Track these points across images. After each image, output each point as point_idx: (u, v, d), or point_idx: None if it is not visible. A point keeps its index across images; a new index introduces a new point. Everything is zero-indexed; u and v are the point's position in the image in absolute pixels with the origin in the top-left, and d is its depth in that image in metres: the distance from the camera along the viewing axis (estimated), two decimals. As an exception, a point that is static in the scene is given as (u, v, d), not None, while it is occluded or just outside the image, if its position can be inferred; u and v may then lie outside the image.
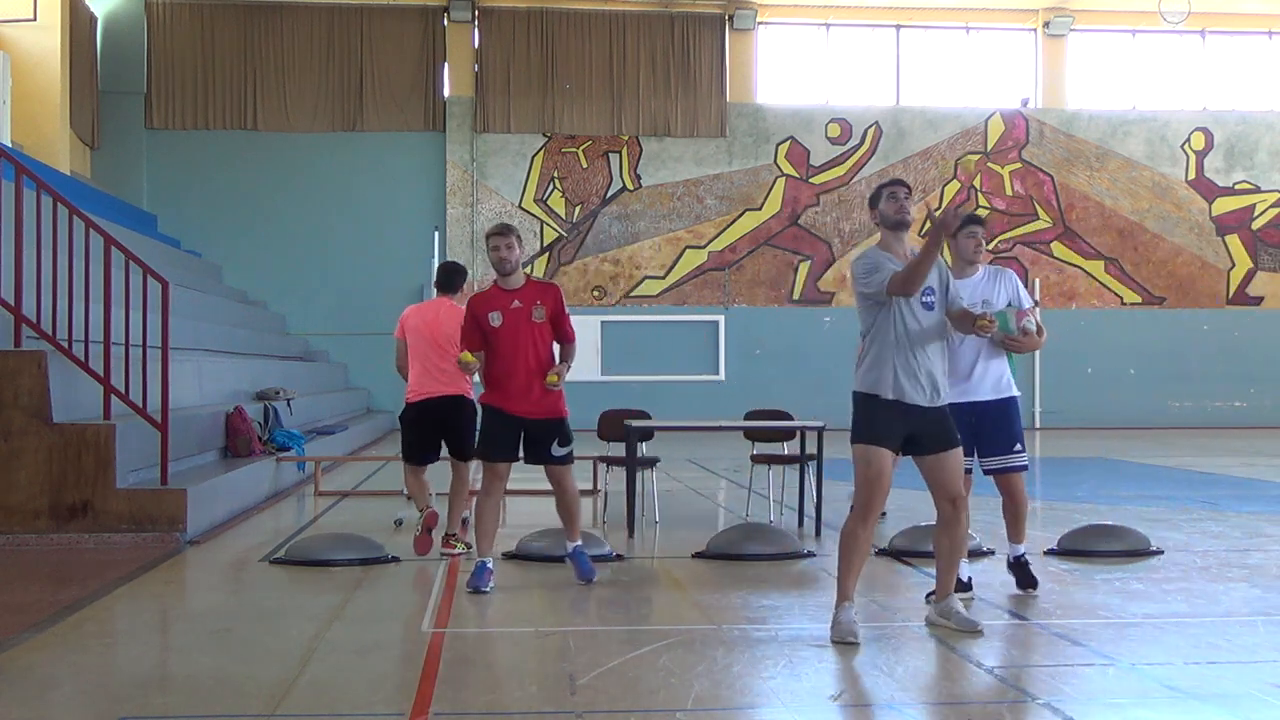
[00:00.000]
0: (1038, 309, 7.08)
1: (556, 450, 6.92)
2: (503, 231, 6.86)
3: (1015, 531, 6.89)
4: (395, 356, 8.45)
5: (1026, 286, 25.54)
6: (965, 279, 6.69)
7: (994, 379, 6.68)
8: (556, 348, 7.02)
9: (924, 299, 5.78)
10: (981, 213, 23.93)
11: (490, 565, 6.84)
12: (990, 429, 6.61)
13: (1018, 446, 6.68)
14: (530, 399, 6.81)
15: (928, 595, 6.36)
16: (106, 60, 22.13)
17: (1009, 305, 6.73)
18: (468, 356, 6.74)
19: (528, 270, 23.79)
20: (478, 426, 8.26)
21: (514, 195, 23.31)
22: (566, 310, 7.02)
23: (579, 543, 7.12)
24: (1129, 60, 24.77)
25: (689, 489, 12.36)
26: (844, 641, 5.59)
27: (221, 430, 11.08)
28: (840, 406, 6.04)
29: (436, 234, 9.16)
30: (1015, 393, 6.79)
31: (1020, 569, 6.90)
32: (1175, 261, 24.48)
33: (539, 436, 6.90)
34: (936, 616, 5.97)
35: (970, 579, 6.88)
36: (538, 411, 6.85)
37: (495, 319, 6.78)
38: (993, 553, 8.09)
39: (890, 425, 5.75)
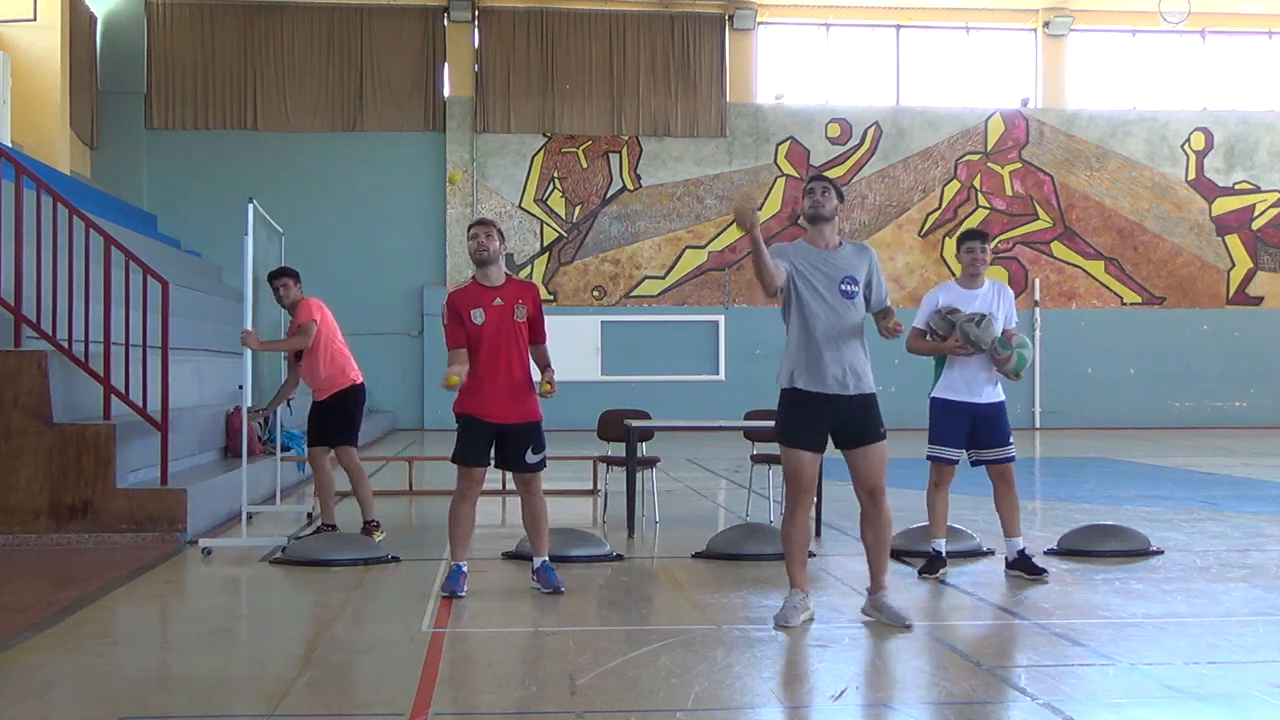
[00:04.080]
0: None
1: (530, 457, 6.74)
2: (483, 222, 6.83)
3: (1012, 524, 7.31)
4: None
5: (1026, 287, 25.56)
6: (972, 290, 7.30)
7: (992, 386, 7.27)
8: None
9: (842, 287, 5.93)
10: (980, 214, 23.94)
11: (465, 569, 6.71)
12: (989, 427, 7.22)
13: (1010, 440, 7.30)
14: (510, 402, 6.67)
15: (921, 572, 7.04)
16: (106, 60, 22.13)
17: (1020, 342, 7.16)
18: (454, 379, 6.51)
19: (526, 271, 23.56)
20: (351, 414, 8.68)
21: (514, 195, 23.32)
22: (543, 312, 6.95)
23: (545, 558, 6.88)
24: (1129, 60, 24.77)
25: (689, 489, 12.36)
26: (779, 626, 5.81)
27: (221, 430, 11.08)
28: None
29: (251, 206, 8.75)
30: (1004, 398, 7.38)
31: (1025, 561, 7.25)
32: (1175, 261, 24.48)
33: (515, 441, 6.73)
34: (870, 609, 6.05)
35: (1023, 550, 7.31)
36: (516, 415, 6.71)
37: (478, 316, 6.63)
38: (992, 553, 8.10)
39: (809, 422, 5.91)
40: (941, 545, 7.34)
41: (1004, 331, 7.11)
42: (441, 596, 6.59)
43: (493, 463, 6.84)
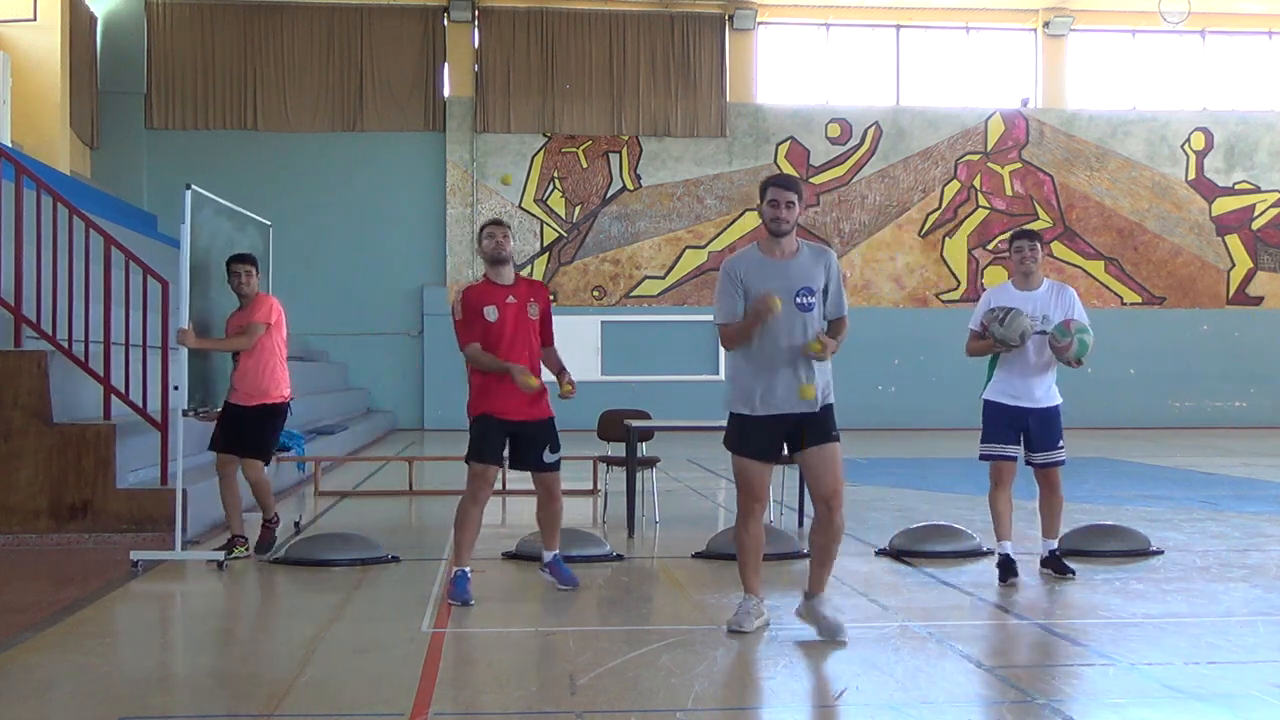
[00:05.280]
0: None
1: (549, 456, 6.78)
2: (499, 222, 6.88)
3: (1051, 526, 7.32)
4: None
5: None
6: (1029, 291, 7.14)
7: (1045, 389, 7.18)
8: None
9: (797, 300, 5.56)
10: (980, 214, 23.94)
11: (470, 574, 6.65)
12: (1040, 430, 7.14)
13: (1060, 444, 7.21)
14: (526, 399, 6.68)
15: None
16: (106, 60, 22.12)
17: (1079, 328, 7.03)
18: (533, 380, 6.54)
19: (527, 270, 23.62)
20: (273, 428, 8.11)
21: (514, 195, 23.31)
22: (551, 312, 6.98)
23: (557, 551, 6.97)
24: (1129, 60, 24.76)
25: (689, 489, 12.36)
26: (732, 631, 5.73)
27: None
28: (838, 408, 5.99)
29: (189, 192, 7.73)
30: (1059, 400, 7.26)
31: (1056, 561, 7.29)
32: (1175, 261, 24.48)
33: (531, 440, 6.74)
34: (804, 612, 5.83)
35: (1054, 551, 7.33)
36: (532, 412, 6.73)
37: (491, 313, 6.66)
38: (992, 553, 8.09)
39: (760, 437, 5.67)
40: (1009, 548, 7.18)
41: (1064, 320, 7.00)
42: (451, 604, 6.52)
43: (506, 463, 6.86)
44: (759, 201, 5.74)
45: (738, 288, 5.63)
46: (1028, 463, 7.26)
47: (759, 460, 5.73)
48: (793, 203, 5.65)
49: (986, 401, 7.25)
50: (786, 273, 5.63)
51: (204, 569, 7.68)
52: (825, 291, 5.70)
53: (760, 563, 5.96)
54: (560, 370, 6.90)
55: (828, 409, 5.71)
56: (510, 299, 6.73)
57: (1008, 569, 7.11)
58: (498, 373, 6.60)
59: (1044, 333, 7.04)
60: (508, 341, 6.67)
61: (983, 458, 7.25)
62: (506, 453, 6.82)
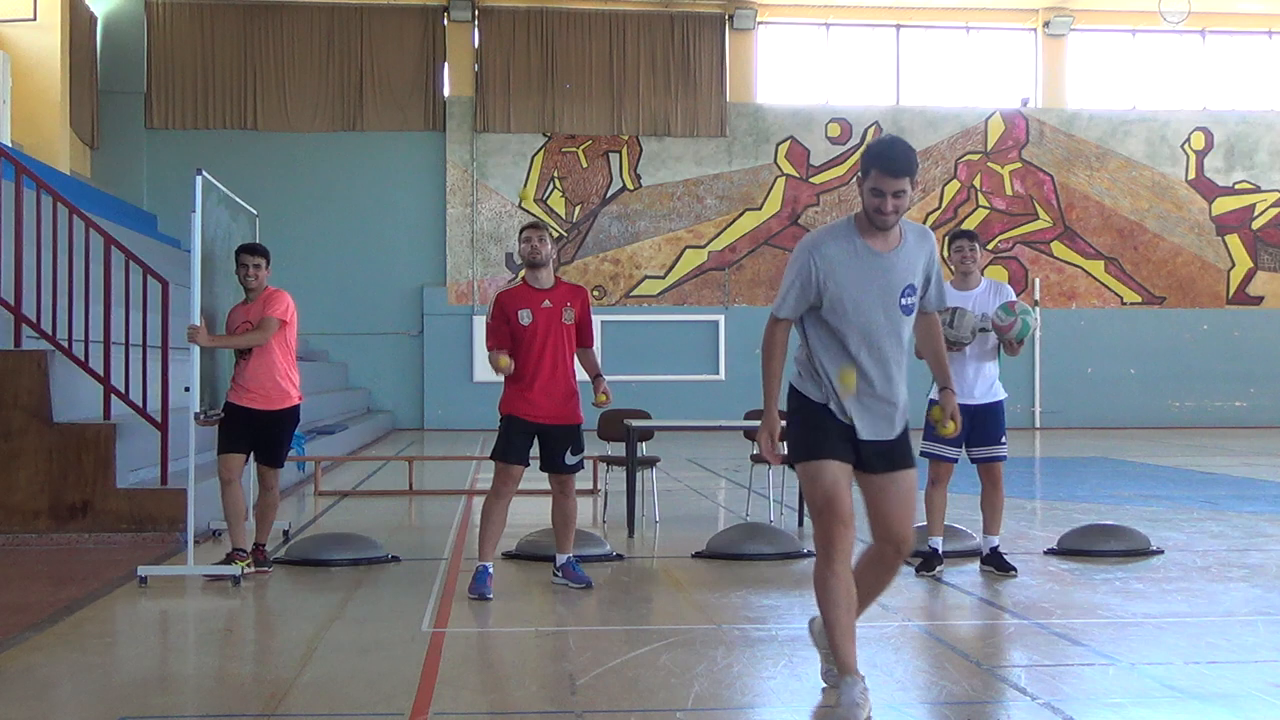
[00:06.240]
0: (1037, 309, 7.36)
1: (570, 459, 6.86)
2: (535, 226, 6.92)
3: (993, 523, 7.44)
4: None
5: (1026, 287, 25.51)
6: (967, 291, 7.30)
7: (985, 385, 7.32)
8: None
9: (903, 300, 4.39)
10: (980, 214, 23.94)
11: (491, 570, 6.73)
12: (979, 426, 7.26)
13: (1002, 439, 7.36)
14: (555, 403, 6.77)
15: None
16: (106, 60, 22.14)
17: (1023, 309, 7.20)
18: (504, 360, 6.60)
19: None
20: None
21: (514, 195, 23.31)
22: (591, 315, 7.03)
23: (570, 554, 7.03)
24: (1129, 60, 24.76)
25: (689, 489, 12.35)
26: None
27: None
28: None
29: (200, 178, 7.20)
30: (1003, 396, 7.43)
31: (997, 558, 7.38)
32: (1175, 261, 24.48)
33: (557, 442, 6.83)
34: (826, 675, 4.76)
35: (996, 548, 7.40)
36: (560, 417, 6.81)
37: (525, 317, 6.72)
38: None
39: (833, 428, 4.45)
40: (939, 543, 7.39)
41: (1008, 301, 7.14)
42: (469, 599, 6.58)
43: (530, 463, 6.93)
44: (861, 178, 4.38)
45: (813, 282, 4.36)
46: (970, 460, 7.38)
47: (838, 460, 4.36)
48: (902, 192, 4.26)
49: (931, 400, 7.34)
50: (890, 270, 4.37)
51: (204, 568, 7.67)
52: (927, 283, 4.54)
53: (854, 626, 4.43)
54: (596, 375, 6.96)
55: (903, 413, 4.55)
56: (545, 303, 6.77)
57: (932, 560, 7.33)
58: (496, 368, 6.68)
59: (985, 330, 7.18)
60: (539, 346, 6.72)
61: (922, 454, 7.33)
62: (536, 453, 6.88)
